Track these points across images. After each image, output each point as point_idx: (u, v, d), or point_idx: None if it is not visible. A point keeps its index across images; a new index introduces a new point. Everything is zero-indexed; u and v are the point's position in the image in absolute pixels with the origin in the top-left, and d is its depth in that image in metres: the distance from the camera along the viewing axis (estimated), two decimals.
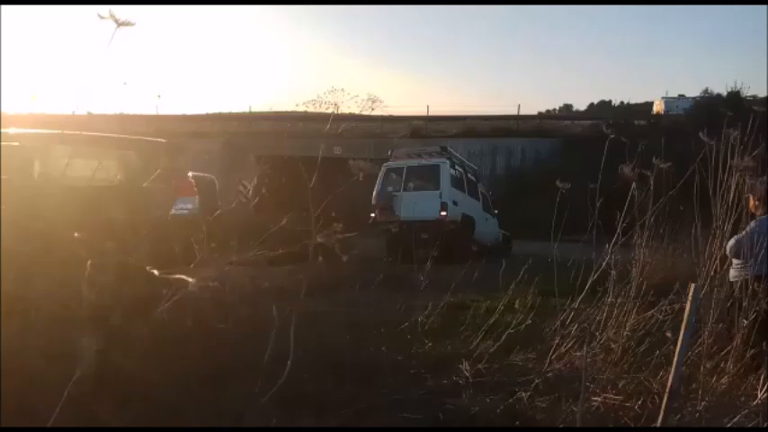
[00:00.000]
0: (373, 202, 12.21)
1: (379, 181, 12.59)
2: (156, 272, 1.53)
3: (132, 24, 2.41)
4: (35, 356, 2.08)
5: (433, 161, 12.43)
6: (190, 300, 2.05)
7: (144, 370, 2.20)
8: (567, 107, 45.81)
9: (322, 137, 12.64)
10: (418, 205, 11.81)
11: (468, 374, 3.30)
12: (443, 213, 11.74)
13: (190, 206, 6.14)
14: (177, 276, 1.42)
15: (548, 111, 42.08)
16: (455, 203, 12.12)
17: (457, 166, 12.90)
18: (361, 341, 3.65)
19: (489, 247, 13.59)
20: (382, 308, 4.31)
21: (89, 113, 21.22)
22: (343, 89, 3.84)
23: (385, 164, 12.93)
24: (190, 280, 1.39)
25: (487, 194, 14.96)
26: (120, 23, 2.43)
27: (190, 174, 8.76)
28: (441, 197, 11.87)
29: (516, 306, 3.77)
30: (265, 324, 2.12)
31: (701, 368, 3.04)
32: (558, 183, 3.59)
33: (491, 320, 3.91)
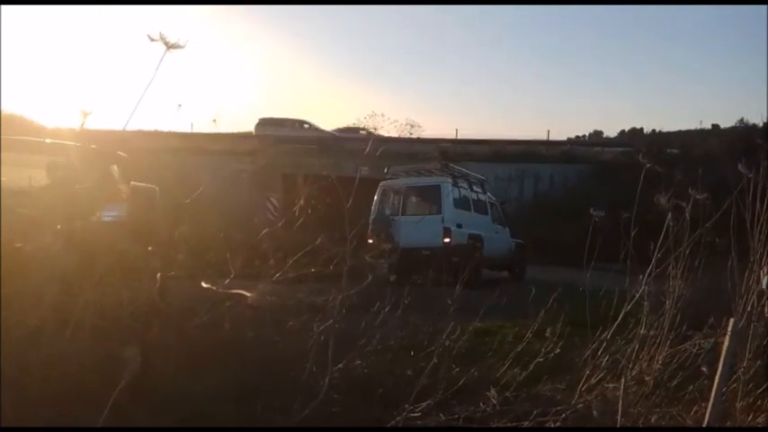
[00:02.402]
0: (370, 227, 10.97)
1: (375, 203, 11.63)
2: (212, 286, 1.57)
3: (182, 47, 2.52)
4: (77, 365, 2.14)
5: (434, 180, 11.48)
6: (226, 313, 2.10)
7: (180, 381, 2.25)
8: (598, 133, 45.40)
9: (350, 157, 12.52)
10: (419, 231, 10.65)
11: (495, 402, 3.27)
12: (447, 240, 10.79)
13: (116, 213, 6.17)
14: (235, 291, 1.47)
15: (577, 137, 41.76)
16: (459, 226, 11.18)
17: (459, 182, 11.94)
18: (388, 363, 3.65)
19: (501, 260, 12.88)
20: (409, 330, 4.30)
21: (139, 130, 21.94)
22: (383, 114, 3.90)
23: (381, 183, 11.94)
24: (248, 294, 1.43)
25: (497, 203, 14.11)
26: (169, 46, 2.54)
27: (132, 183, 8.86)
28: (443, 221, 10.91)
29: (547, 334, 3.72)
30: (302, 342, 2.15)
31: (737, 405, 2.96)
32: (591, 210, 3.57)
33: (519, 348, 3.87)
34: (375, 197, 11.62)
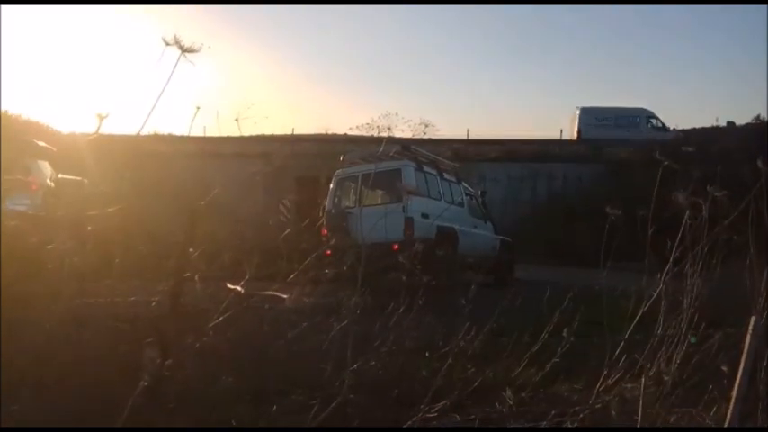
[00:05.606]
0: (324, 221, 9.23)
1: (330, 194, 10.43)
2: (239, 288, 1.58)
3: (197, 51, 2.54)
4: (98, 366, 2.16)
5: (393, 165, 9.78)
6: (242, 315, 2.11)
7: (198, 382, 2.26)
8: None
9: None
10: (378, 223, 8.85)
11: (511, 403, 3.25)
12: (409, 232, 9.29)
13: (27, 202, 6.20)
14: (270, 293, 1.47)
15: None
16: (425, 216, 9.59)
17: (426, 168, 10.48)
18: (403, 364, 3.64)
19: (482, 261, 10.91)
20: (424, 331, 4.29)
21: (155, 134, 22.31)
22: (396, 113, 3.87)
23: (336, 173, 10.72)
24: (284, 296, 1.44)
25: (476, 195, 12.66)
26: (184, 50, 2.56)
27: (59, 175, 8.81)
28: (404, 211, 9.38)
29: (564, 334, 3.69)
30: (319, 343, 2.15)
31: (759, 405, 2.92)
32: (608, 209, 3.53)
33: (534, 348, 3.84)
34: (330, 187, 10.52)
